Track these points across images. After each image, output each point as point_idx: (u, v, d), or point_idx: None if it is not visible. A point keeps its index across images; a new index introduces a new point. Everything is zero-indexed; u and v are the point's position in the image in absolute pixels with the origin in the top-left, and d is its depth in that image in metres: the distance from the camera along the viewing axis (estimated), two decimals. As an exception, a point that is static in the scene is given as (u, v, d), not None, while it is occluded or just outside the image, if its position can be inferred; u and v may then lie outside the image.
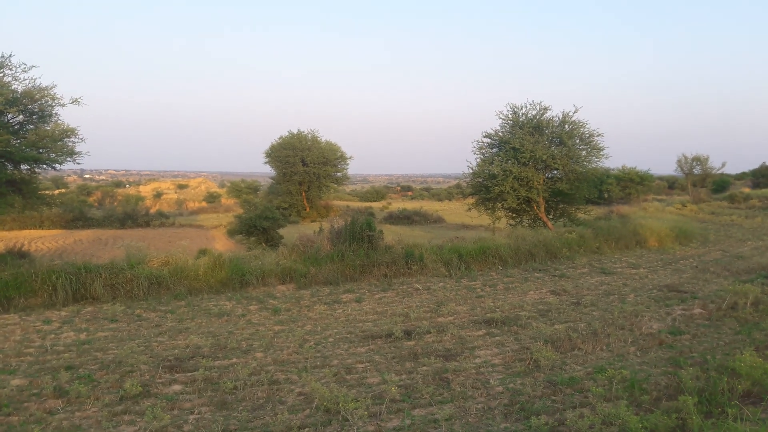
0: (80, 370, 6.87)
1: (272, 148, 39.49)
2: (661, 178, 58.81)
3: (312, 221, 32.73)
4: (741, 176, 57.74)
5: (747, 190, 41.98)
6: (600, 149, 19.04)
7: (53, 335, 8.48)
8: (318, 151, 38.91)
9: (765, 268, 12.98)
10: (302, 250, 13.38)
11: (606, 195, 34.64)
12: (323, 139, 40.11)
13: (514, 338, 8.01)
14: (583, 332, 8.09)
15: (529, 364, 6.80)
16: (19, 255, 14.65)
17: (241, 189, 53.08)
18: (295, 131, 39.76)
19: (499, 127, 19.85)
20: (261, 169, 52.83)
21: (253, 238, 21.04)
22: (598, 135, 19.07)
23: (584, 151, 19.04)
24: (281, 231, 22.24)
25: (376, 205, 48.88)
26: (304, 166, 38.51)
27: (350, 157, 41.74)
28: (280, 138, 39.66)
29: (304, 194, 39.10)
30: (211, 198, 57.09)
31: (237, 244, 22.42)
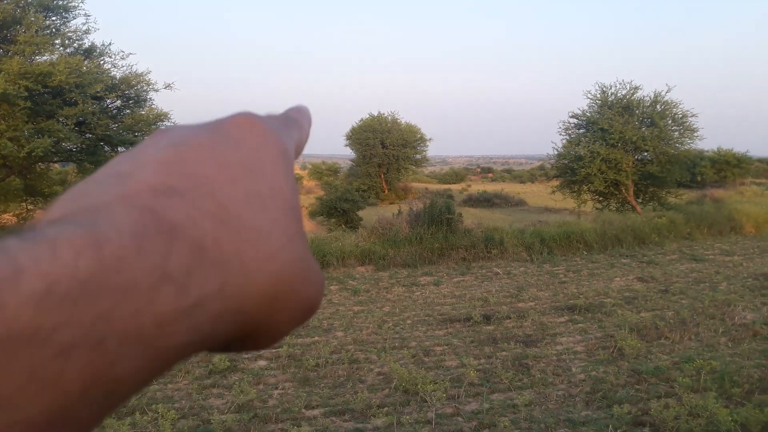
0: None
1: (353, 131, 40.02)
2: (761, 161, 55.03)
3: (390, 203, 33.01)
4: None
5: None
6: (694, 130, 18.09)
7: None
8: (398, 133, 39.07)
9: None
10: (381, 232, 13.57)
11: (699, 178, 32.82)
12: (403, 121, 40.21)
13: (597, 325, 7.86)
14: (671, 321, 7.82)
15: (612, 352, 6.68)
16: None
17: (322, 171, 54.10)
18: (375, 113, 40.03)
19: (586, 107, 19.24)
20: (341, 152, 53.65)
21: (334, 220, 21.49)
22: (692, 115, 18.11)
23: (677, 132, 18.14)
24: (360, 213, 22.58)
25: (455, 187, 48.64)
26: (384, 148, 38.80)
27: (430, 139, 41.68)
28: (360, 120, 40.08)
29: (383, 176, 39.45)
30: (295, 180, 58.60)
31: (318, 225, 22.99)
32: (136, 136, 12.87)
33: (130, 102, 13.36)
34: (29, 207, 13.69)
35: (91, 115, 11.27)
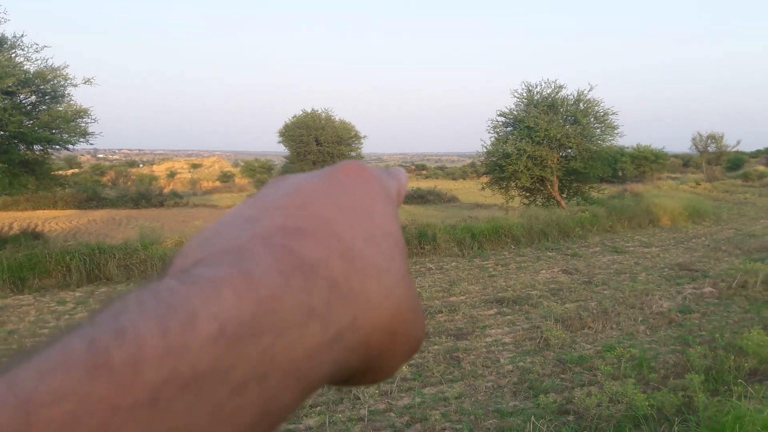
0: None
1: (286, 128, 39.50)
2: (675, 156, 58.22)
3: (325, 201, 32.71)
4: (756, 154, 57.05)
5: (762, 168, 41.47)
6: (614, 127, 18.91)
7: (68, 316, 8.60)
8: (332, 131, 38.88)
9: (778, 247, 12.92)
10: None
11: (620, 173, 34.36)
12: (337, 118, 40.03)
13: (525, 317, 8.09)
14: (594, 311, 8.15)
15: (539, 342, 6.89)
16: (33, 236, 14.72)
17: (255, 168, 53.22)
18: (309, 110, 39.68)
19: (513, 106, 19.76)
20: (275, 149, 52.97)
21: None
22: (613, 113, 18.92)
23: (599, 130, 18.91)
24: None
25: (389, 184, 48.77)
26: (318, 145, 38.53)
27: (364, 137, 41.68)
28: (293, 117, 39.62)
29: (317, 174, 39.10)
30: (225, 177, 57.46)
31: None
32: (53, 134, 12.22)
33: (46, 97, 12.64)
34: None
35: (2, 111, 10.60)
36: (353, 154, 41.68)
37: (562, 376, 5.90)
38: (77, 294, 9.85)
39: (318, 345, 0.23)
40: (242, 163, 60.86)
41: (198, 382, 0.19)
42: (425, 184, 44.66)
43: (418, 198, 33.52)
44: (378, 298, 0.26)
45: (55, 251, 10.75)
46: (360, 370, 0.27)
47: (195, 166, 71.15)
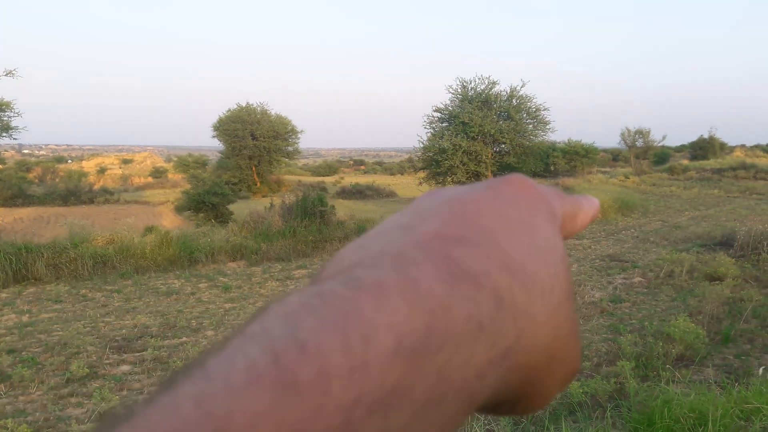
0: (23, 353, 6.68)
1: (220, 122, 38.66)
2: (605, 151, 60.36)
3: (263, 196, 32.33)
4: (680, 148, 59.76)
5: (686, 162, 43.51)
6: (546, 123, 19.48)
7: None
8: (268, 125, 38.30)
9: (700, 237, 13.60)
10: (253, 226, 13.26)
11: (552, 168, 35.29)
12: (273, 113, 39.47)
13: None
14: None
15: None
16: (-46, 235, 14.05)
17: (189, 164, 51.75)
18: (243, 104, 38.93)
19: (449, 102, 20.03)
20: (209, 143, 51.59)
21: (202, 215, 20.66)
22: (545, 109, 19.50)
23: (531, 125, 19.43)
24: (231, 207, 21.89)
25: (328, 179, 48.71)
26: (254, 140, 37.88)
27: (301, 131, 41.32)
28: (228, 111, 38.81)
29: (254, 169, 38.55)
30: (158, 173, 55.64)
31: (185, 220, 21.98)
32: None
33: (-35, 90, 11.97)
34: None
35: None
36: (290, 148, 41.19)
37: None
38: (3, 295, 9.37)
39: (487, 363, 0.21)
40: (175, 159, 59.07)
41: (385, 403, 0.17)
42: (363, 180, 44.66)
43: (356, 193, 33.50)
44: (542, 317, 0.23)
45: None
46: (516, 396, 0.24)
47: (126, 161, 68.54)
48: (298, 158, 50.36)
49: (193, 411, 0.16)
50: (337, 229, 13.19)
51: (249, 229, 13.13)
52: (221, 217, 20.14)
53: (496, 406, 0.25)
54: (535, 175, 21.66)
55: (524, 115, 19.18)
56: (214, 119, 39.44)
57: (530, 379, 0.24)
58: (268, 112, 39.12)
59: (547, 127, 19.34)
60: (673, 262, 9.86)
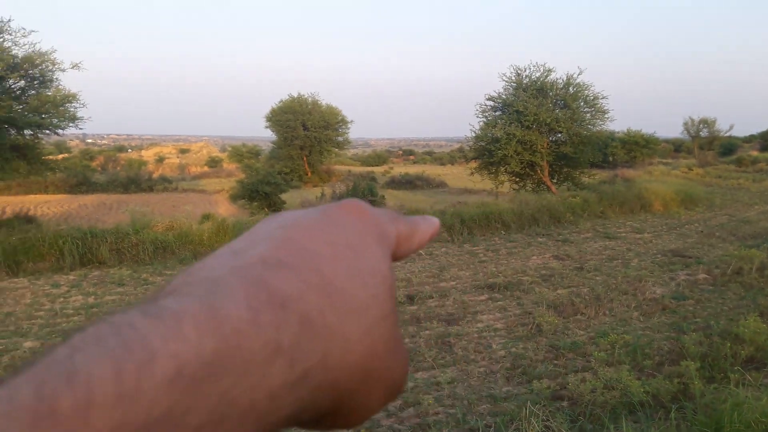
0: (87, 333, 6.91)
1: (273, 112, 39.16)
2: (667, 141, 58.26)
3: (314, 186, 32.62)
4: (749, 139, 57.13)
5: (755, 153, 41.59)
6: (604, 112, 18.82)
7: (62, 299, 8.59)
8: (319, 115, 38.58)
9: (770, 233, 12.93)
10: (305, 215, 13.34)
11: (611, 158, 34.31)
12: (324, 103, 39.70)
13: (516, 303, 8.02)
14: (586, 297, 8.09)
15: (531, 328, 6.82)
16: (26, 220, 14.80)
17: (243, 153, 52.77)
18: (295, 95, 39.29)
19: (502, 90, 19.59)
20: (262, 134, 52.38)
21: (256, 203, 21.00)
22: (603, 97, 18.82)
23: (588, 114, 18.81)
24: (283, 196, 22.17)
25: (377, 169, 48.75)
26: (305, 130, 38.23)
27: (351, 121, 41.43)
28: (280, 102, 39.24)
29: (305, 159, 38.92)
30: (213, 162, 56.93)
31: (240, 208, 22.39)
32: (43, 118, 12.14)
33: (35, 82, 12.53)
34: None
35: (-8, 97, 10.44)
36: (340, 138, 41.36)
37: (556, 362, 5.83)
38: (71, 277, 9.80)
39: (282, 385, 0.21)
40: (230, 148, 60.25)
41: (150, 428, 0.18)
42: (413, 170, 44.46)
43: (406, 183, 33.37)
44: (355, 336, 0.24)
45: (48, 235, 10.77)
46: (330, 412, 0.25)
47: (183, 151, 70.41)
48: (347, 148, 50.58)
49: None
50: (388, 219, 13.13)
51: (301, 218, 13.21)
52: (274, 206, 20.42)
53: (315, 421, 0.25)
54: (593, 165, 21.06)
55: (581, 103, 18.58)
56: (267, 110, 39.98)
57: (343, 396, 0.25)
58: (319, 102, 39.38)
59: (606, 116, 18.72)
60: (741, 259, 9.37)
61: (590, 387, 4.83)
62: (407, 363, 0.28)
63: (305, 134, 37.76)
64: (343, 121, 40.41)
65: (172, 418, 0.18)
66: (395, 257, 0.32)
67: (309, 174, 38.42)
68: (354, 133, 50.32)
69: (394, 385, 0.27)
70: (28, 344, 6.57)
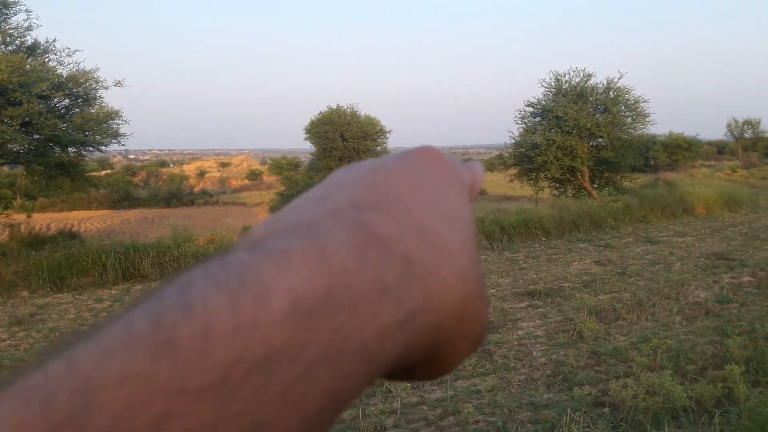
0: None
1: (312, 124, 39.62)
2: (710, 144, 56.73)
3: (353, 196, 32.80)
4: (796, 139, 55.16)
5: (801, 153, 40.15)
6: (646, 115, 18.53)
7: (105, 313, 8.82)
8: (357, 126, 38.87)
9: (820, 235, 12.52)
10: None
11: (652, 162, 33.66)
12: (362, 113, 40.02)
13: (557, 309, 7.99)
14: (628, 302, 8.00)
15: (572, 335, 6.80)
16: (69, 236, 15.27)
17: (282, 166, 53.47)
18: (334, 106, 39.73)
19: (541, 96, 19.49)
20: (301, 146, 53.06)
21: (296, 215, 21.30)
22: (644, 101, 18.55)
23: (629, 118, 18.55)
24: (323, 207, 22.44)
25: (416, 178, 48.64)
26: (344, 141, 38.56)
27: (390, 131, 41.62)
28: (319, 114, 39.72)
29: (344, 170, 39.17)
30: (253, 175, 57.90)
31: (280, 220, 22.70)
32: (86, 136, 12.46)
33: (79, 100, 12.88)
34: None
35: (38, 115, 10.82)
36: (378, 149, 41.61)
37: (597, 368, 5.81)
38: (113, 292, 10.10)
39: (391, 324, 0.21)
40: (269, 161, 61.20)
41: (269, 362, 0.18)
42: (453, 178, 44.32)
43: (445, 191, 33.37)
44: (451, 279, 0.24)
45: (91, 251, 11.06)
46: (425, 359, 0.25)
47: (224, 164, 71.84)
48: (386, 158, 50.66)
49: (62, 372, 0.16)
50: (426, 228, 13.17)
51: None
52: (313, 217, 20.69)
53: (407, 371, 0.26)
54: (634, 169, 20.73)
55: (622, 107, 18.34)
56: (306, 122, 40.54)
57: (441, 340, 0.25)
58: (358, 113, 39.71)
59: (647, 119, 18.42)
60: (788, 261, 9.13)
61: (632, 393, 4.81)
62: (489, 308, 0.30)
63: (344, 145, 38.08)
64: (382, 131, 40.59)
65: (289, 353, 0.18)
66: None
67: (347, 185, 38.67)
68: (393, 142, 50.53)
69: (481, 332, 0.28)
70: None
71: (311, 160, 44.46)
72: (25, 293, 10.05)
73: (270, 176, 54.07)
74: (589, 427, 4.39)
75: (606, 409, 4.85)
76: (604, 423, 4.50)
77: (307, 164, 47.74)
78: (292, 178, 38.86)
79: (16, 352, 7.15)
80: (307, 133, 39.94)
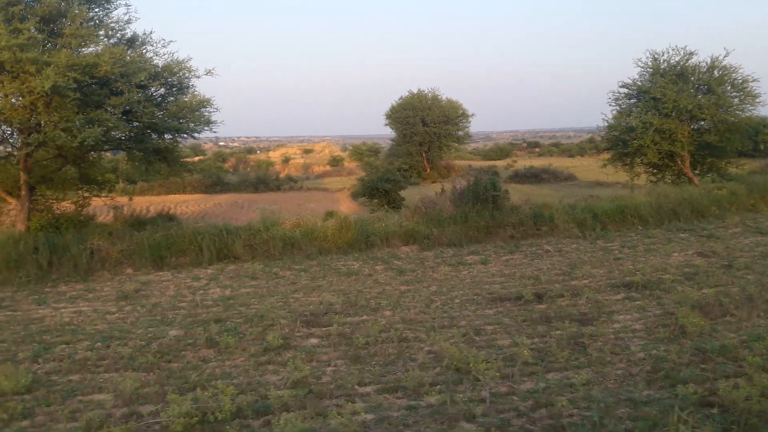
0: (227, 322, 7.41)
1: (392, 110, 39.67)
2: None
3: (433, 182, 32.66)
4: None
5: None
6: (755, 96, 17.15)
7: (202, 291, 9.25)
8: (438, 110, 38.54)
9: None
10: (424, 211, 13.38)
11: (762, 146, 31.15)
12: (444, 98, 39.59)
13: (656, 303, 7.52)
14: (737, 297, 7.40)
15: (674, 330, 6.36)
16: (167, 218, 16.19)
17: (363, 152, 53.96)
18: (415, 91, 39.49)
19: (637, 76, 18.46)
20: (381, 132, 53.27)
21: (376, 200, 21.42)
22: (754, 80, 17.16)
23: (737, 99, 17.24)
24: (403, 193, 22.41)
25: (500, 163, 47.88)
26: (425, 126, 38.34)
27: (472, 115, 41.02)
28: (400, 99, 39.65)
29: (424, 155, 39.04)
30: (335, 162, 58.68)
31: (360, 206, 22.96)
32: (181, 123, 12.98)
33: (174, 89, 13.44)
34: (85, 195, 14.05)
35: (137, 104, 11.36)
36: (460, 133, 40.97)
37: (703, 366, 5.40)
38: (209, 271, 10.58)
39: None
40: (350, 148, 61.84)
41: None
42: (538, 162, 43.16)
43: (531, 177, 32.46)
44: None
45: (188, 232, 11.74)
46: None
47: (307, 151, 73.22)
48: (468, 143, 50.02)
49: None
50: (512, 215, 12.81)
51: (420, 214, 13.26)
52: (394, 202, 20.70)
53: None
54: (741, 154, 19.32)
55: (728, 87, 17.04)
56: (387, 108, 40.55)
57: None
58: (439, 97, 39.34)
59: (757, 99, 17.04)
60: None
61: (744, 394, 4.42)
62: None
63: (424, 130, 37.87)
64: (464, 115, 40.07)
65: None
66: None
67: (428, 170, 38.50)
68: (475, 126, 49.72)
69: None
70: (173, 332, 7.12)
71: (391, 145, 44.53)
72: (129, 270, 10.74)
73: (351, 162, 54.64)
74: (698, 427, 4.05)
75: (714, 410, 4.49)
76: (712, 425, 4.15)
77: (387, 150, 47.88)
78: (372, 163, 39.05)
79: (124, 324, 7.59)
80: (387, 118, 40.02)
